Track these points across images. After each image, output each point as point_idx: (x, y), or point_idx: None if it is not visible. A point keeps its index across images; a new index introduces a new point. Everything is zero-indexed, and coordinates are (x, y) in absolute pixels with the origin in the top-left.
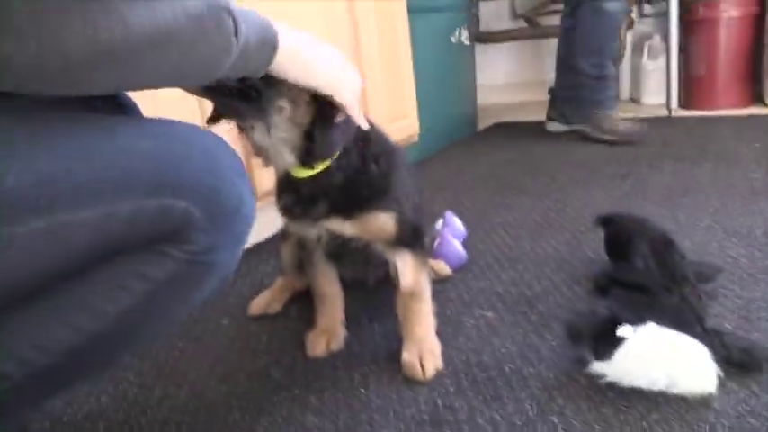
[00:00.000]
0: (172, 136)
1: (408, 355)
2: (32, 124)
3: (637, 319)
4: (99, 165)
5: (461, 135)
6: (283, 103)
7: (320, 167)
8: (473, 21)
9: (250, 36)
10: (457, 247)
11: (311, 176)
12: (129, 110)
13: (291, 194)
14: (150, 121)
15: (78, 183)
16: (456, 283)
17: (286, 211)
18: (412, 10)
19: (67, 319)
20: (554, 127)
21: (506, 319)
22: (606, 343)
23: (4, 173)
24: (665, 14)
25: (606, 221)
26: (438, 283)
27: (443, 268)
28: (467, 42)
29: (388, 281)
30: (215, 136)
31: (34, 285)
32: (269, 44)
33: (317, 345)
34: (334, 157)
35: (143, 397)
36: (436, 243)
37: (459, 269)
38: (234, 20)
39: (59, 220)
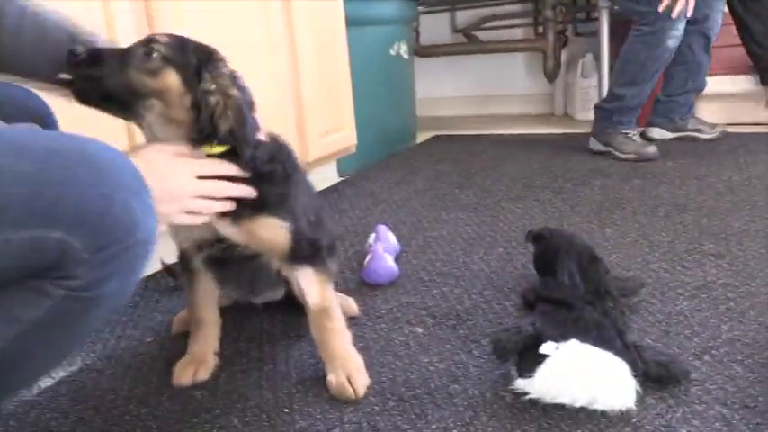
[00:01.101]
0: (58, 154)
1: (335, 377)
2: None
3: (560, 336)
4: None
5: (400, 147)
6: (152, 102)
7: (206, 151)
8: (413, 35)
9: None
10: (388, 261)
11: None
12: (45, 119)
13: None
14: (37, 135)
15: None
16: (387, 298)
17: None
18: (350, 23)
19: None
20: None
21: (435, 334)
22: (530, 359)
23: None
24: (596, 34)
25: (536, 237)
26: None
27: (351, 306)
28: (405, 56)
29: (282, 303)
30: (112, 151)
31: None
32: None
33: (183, 374)
34: (226, 148)
35: (56, 423)
36: (367, 258)
37: (390, 284)
38: None
39: None
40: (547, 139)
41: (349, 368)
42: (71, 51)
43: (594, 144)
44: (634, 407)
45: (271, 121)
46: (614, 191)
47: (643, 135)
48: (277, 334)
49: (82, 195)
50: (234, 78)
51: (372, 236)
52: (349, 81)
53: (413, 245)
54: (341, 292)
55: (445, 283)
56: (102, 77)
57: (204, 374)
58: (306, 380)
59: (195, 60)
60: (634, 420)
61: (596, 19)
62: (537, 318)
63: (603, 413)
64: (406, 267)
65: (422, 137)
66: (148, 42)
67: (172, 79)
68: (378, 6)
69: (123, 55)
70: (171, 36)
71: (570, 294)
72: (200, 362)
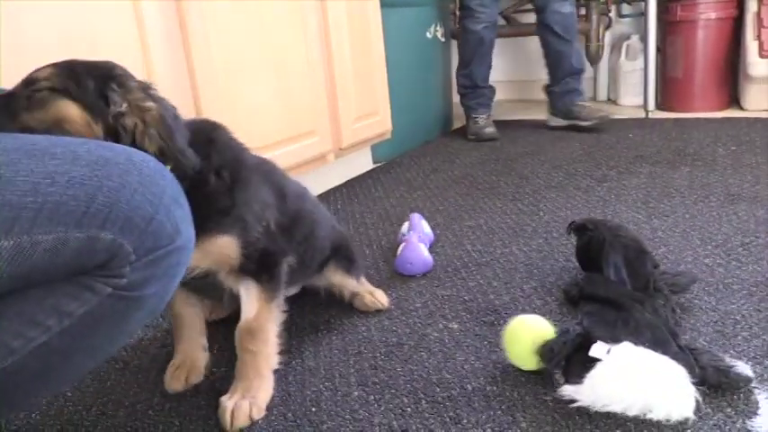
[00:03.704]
0: (109, 162)
1: (228, 399)
2: None
3: (610, 338)
4: (23, 191)
5: (436, 133)
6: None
7: None
8: (450, 17)
9: None
10: (423, 252)
11: None
12: None
13: None
14: (88, 143)
15: None
16: (421, 290)
17: None
18: (385, 4)
19: None
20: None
21: (472, 330)
22: (578, 364)
23: None
24: (642, 15)
25: (579, 229)
26: (375, 313)
27: (381, 298)
28: (443, 39)
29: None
30: (155, 161)
31: None
32: None
33: (174, 380)
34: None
35: (78, 416)
36: (401, 247)
37: (424, 275)
38: None
39: None
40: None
41: (245, 396)
42: None
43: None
44: (692, 416)
45: (304, 106)
46: (662, 179)
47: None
48: (306, 327)
49: (131, 200)
50: (146, 89)
51: (406, 224)
52: (384, 65)
53: (448, 234)
54: (371, 284)
55: (482, 276)
56: None
57: (196, 378)
58: (335, 377)
59: (93, 82)
60: (689, 431)
61: None
62: (584, 318)
63: (656, 423)
64: (442, 258)
65: (458, 121)
66: (29, 83)
67: (66, 108)
68: None
69: (7, 103)
70: (54, 65)
71: (617, 292)
72: (191, 364)
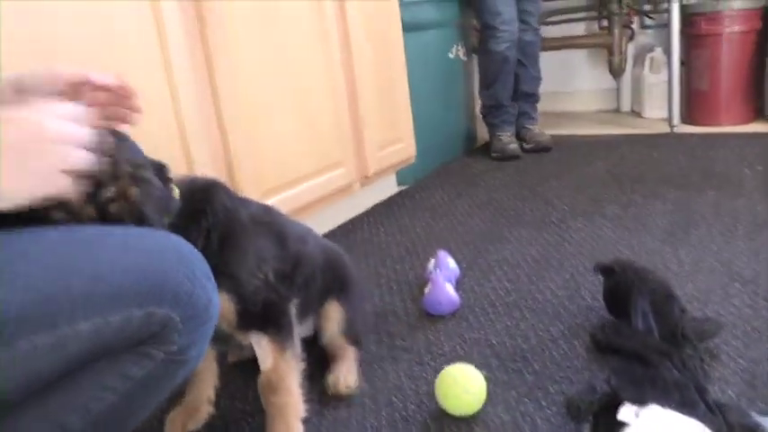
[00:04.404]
0: (150, 247)
1: None
2: (23, 244)
3: (638, 397)
4: (91, 279)
5: (460, 151)
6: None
7: None
8: (472, 33)
9: None
10: (449, 292)
11: None
12: None
13: None
14: (128, 232)
15: (75, 298)
16: (449, 332)
17: None
18: (408, 28)
19: (58, 421)
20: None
21: (500, 379)
22: (606, 426)
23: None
24: (666, 26)
25: (606, 270)
26: (406, 358)
27: (348, 380)
28: (464, 58)
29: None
30: (186, 243)
31: (28, 393)
32: None
33: (173, 426)
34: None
35: None
36: (428, 287)
37: (452, 315)
38: None
39: (60, 333)
40: (613, 141)
41: None
42: None
43: None
44: None
45: (328, 137)
46: (687, 205)
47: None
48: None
49: (176, 279)
50: (134, 171)
51: (432, 261)
52: (407, 91)
53: (474, 269)
54: (399, 323)
55: (510, 316)
56: None
57: (194, 424)
58: (367, 428)
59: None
60: None
61: (665, 11)
62: (611, 376)
63: None
64: (469, 295)
65: (483, 137)
66: None
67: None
68: (436, 9)
69: None
70: None
71: (645, 344)
72: (192, 412)
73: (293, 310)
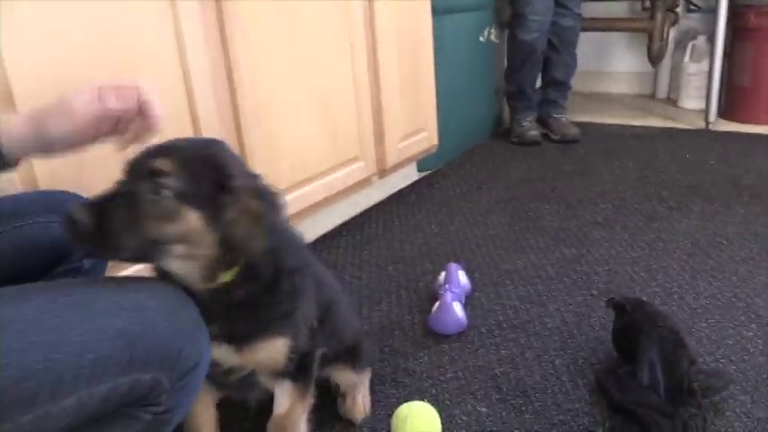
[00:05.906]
0: (139, 306)
1: None
2: (7, 311)
3: None
4: (76, 350)
5: (486, 135)
6: (173, 248)
7: (223, 279)
8: (505, 15)
9: None
10: (457, 312)
11: (210, 290)
12: None
13: None
14: (121, 287)
15: (58, 373)
16: (453, 356)
17: None
18: (439, 11)
19: None
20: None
21: (500, 416)
22: None
23: None
24: (713, 13)
25: (618, 308)
26: (407, 387)
27: (359, 408)
28: (496, 40)
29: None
30: (177, 291)
31: None
32: None
33: None
34: (238, 268)
35: None
36: (436, 305)
37: (458, 335)
38: None
39: (42, 411)
40: (645, 135)
41: None
42: (69, 219)
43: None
44: None
45: (348, 132)
46: (713, 222)
47: None
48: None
49: (163, 339)
50: (253, 189)
51: (443, 275)
52: (432, 80)
53: (486, 281)
54: (405, 339)
55: (515, 342)
56: (114, 238)
57: None
58: None
59: (209, 185)
60: None
61: None
62: None
63: None
64: (477, 313)
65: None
66: (152, 175)
67: (194, 221)
68: None
69: (128, 202)
70: (167, 154)
71: (648, 404)
72: None
73: (318, 359)
